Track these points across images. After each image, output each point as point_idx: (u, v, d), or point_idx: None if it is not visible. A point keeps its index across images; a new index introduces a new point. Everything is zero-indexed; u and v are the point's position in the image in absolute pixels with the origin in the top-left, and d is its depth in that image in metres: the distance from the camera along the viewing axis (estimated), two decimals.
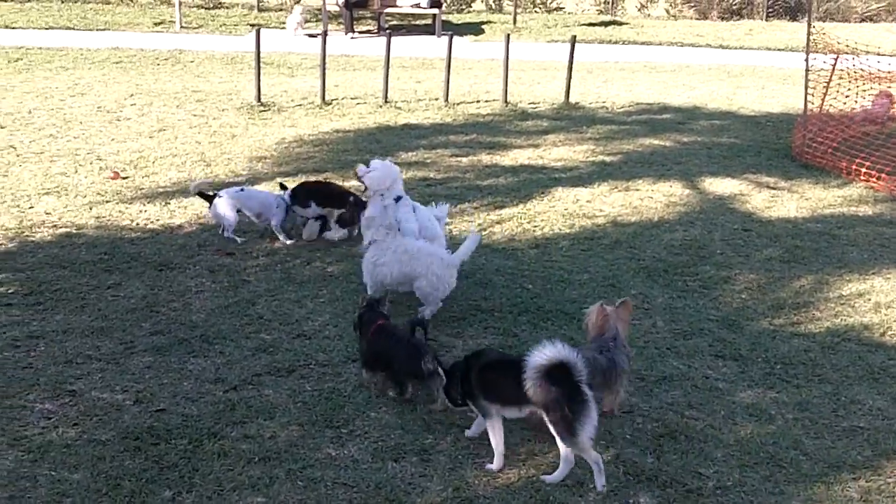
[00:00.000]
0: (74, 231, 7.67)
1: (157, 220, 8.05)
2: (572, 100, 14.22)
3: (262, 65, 13.42)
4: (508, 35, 14.29)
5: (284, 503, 4.12)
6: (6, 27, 19.64)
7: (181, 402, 4.98)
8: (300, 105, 13.38)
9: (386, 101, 13.67)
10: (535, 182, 9.59)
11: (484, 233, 7.99)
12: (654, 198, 9.33)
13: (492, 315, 6.29)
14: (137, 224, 7.92)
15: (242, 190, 7.85)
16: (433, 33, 21.48)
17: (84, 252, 7.17)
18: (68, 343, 5.66)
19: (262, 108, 12.96)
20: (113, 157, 10.03)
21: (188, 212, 8.30)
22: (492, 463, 4.48)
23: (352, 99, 13.94)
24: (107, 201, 8.50)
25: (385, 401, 5.07)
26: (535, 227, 8.22)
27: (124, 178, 9.23)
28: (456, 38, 15.25)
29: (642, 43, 22.35)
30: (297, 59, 17.94)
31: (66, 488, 4.17)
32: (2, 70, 15.27)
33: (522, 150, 11.18)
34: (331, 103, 13.49)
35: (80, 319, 5.99)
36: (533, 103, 14.14)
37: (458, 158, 10.65)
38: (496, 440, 4.49)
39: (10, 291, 6.38)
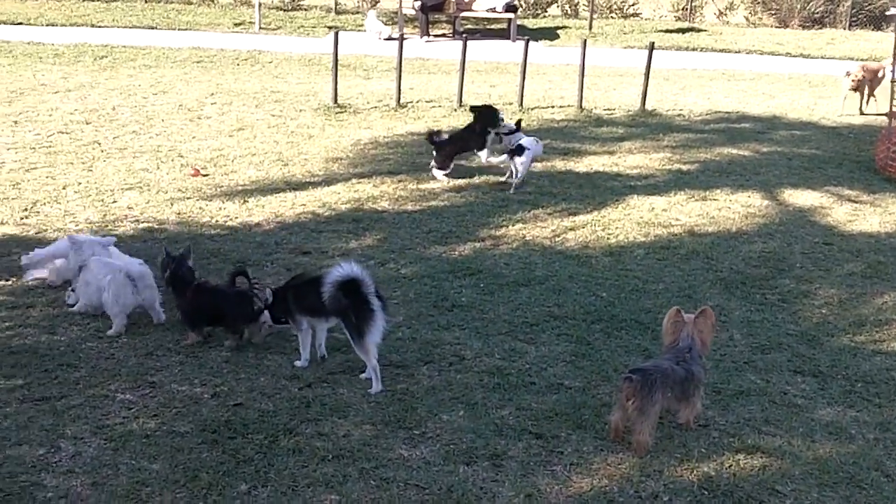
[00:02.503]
0: (156, 226, 7.86)
1: (236, 217, 8.20)
2: (649, 107, 14.07)
3: (338, 67, 13.57)
4: (585, 41, 14.20)
5: (357, 502, 4.15)
6: (92, 26, 20.19)
7: (257, 398, 5.06)
8: (375, 107, 13.49)
9: (461, 105, 13.70)
10: (610, 189, 9.51)
11: (557, 239, 7.96)
12: (732, 208, 9.17)
13: (565, 322, 6.26)
14: (217, 221, 8.08)
15: None
16: (508, 38, 21.45)
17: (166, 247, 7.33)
18: (149, 336, 5.80)
19: (338, 110, 13.10)
20: (193, 155, 10.24)
21: (266, 210, 8.43)
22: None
23: (426, 102, 14.00)
24: (187, 198, 8.68)
25: (458, 403, 5.08)
26: (610, 234, 8.15)
27: (204, 176, 9.42)
28: (531, 43, 15.20)
29: (720, 50, 21.98)
30: (372, 61, 18.09)
31: (145, 477, 4.27)
32: (88, 67, 15.71)
33: (597, 156, 11.10)
34: (406, 106, 13.57)
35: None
36: (608, 109, 14.02)
37: (532, 163, 10.59)
38: (304, 346, 5.46)
39: None
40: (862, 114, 14.78)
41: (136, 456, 4.45)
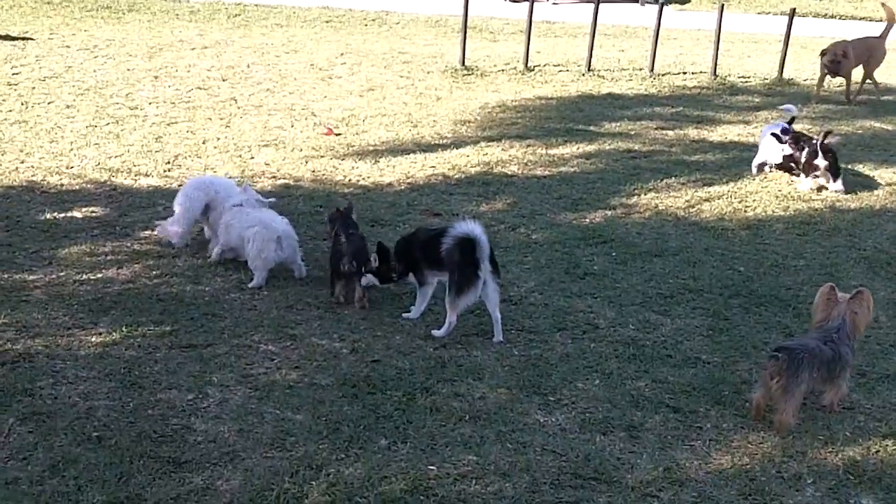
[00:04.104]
0: (292, 183, 8.03)
1: (368, 177, 8.31)
2: (786, 75, 13.57)
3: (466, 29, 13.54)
4: (723, 5, 13.74)
5: (495, 464, 4.18)
6: None
7: (394, 356, 5.14)
8: (503, 70, 13.42)
9: (589, 70, 13.50)
10: (746, 161, 9.21)
11: (692, 210, 7.78)
12: (876, 184, 8.78)
13: (700, 295, 6.13)
14: (350, 180, 8.20)
15: None
16: (637, 1, 20.98)
17: (301, 203, 7.50)
18: (289, 289, 5.95)
19: (465, 72, 13.09)
20: (326, 114, 10.41)
21: (397, 171, 8.51)
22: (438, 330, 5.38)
23: (554, 66, 13.84)
24: (321, 156, 8.84)
25: (593, 372, 5.06)
26: (747, 207, 7.92)
27: (337, 135, 9.57)
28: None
29: (861, 18, 21.00)
30: (499, 23, 17.98)
31: (290, 427, 4.40)
32: (222, 25, 16.11)
33: (732, 125, 10.78)
34: (533, 69, 13.45)
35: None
36: (743, 77, 13.59)
37: (664, 132, 10.39)
38: (422, 300, 5.60)
39: None
40: None
41: (280, 406, 4.59)
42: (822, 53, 12.43)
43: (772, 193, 8.31)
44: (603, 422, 4.58)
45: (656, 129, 10.49)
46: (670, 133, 10.31)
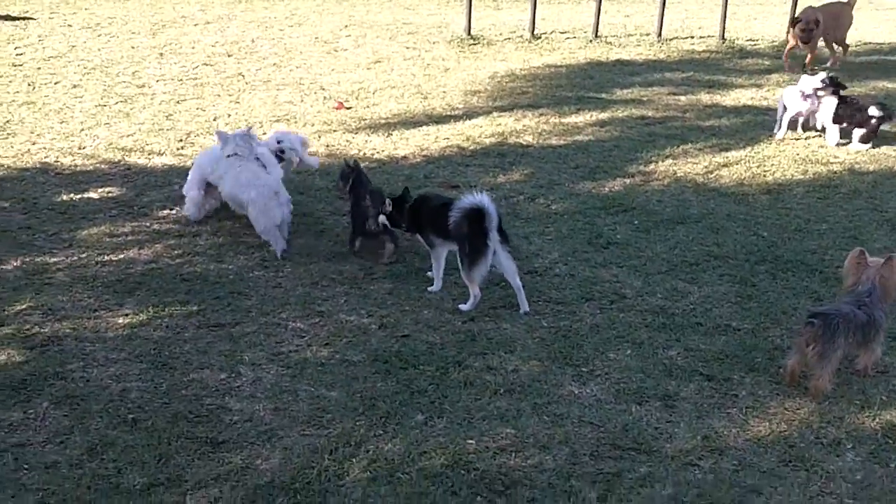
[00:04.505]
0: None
1: (382, 150, 8.25)
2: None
3: None
4: None
5: (533, 436, 4.17)
6: None
7: (423, 330, 5.11)
8: (509, 39, 13.31)
9: (596, 36, 13.39)
10: (761, 124, 9.15)
11: (710, 176, 7.73)
12: (893, 145, 8.71)
13: (726, 262, 6.09)
14: (364, 154, 8.14)
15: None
16: None
17: (318, 179, 7.45)
18: (312, 266, 5.92)
19: (471, 42, 12.98)
20: (335, 88, 10.32)
21: (410, 143, 8.45)
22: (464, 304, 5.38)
23: (561, 33, 13.73)
24: (333, 130, 8.78)
25: (624, 342, 5.03)
26: (766, 171, 7.87)
27: (348, 109, 9.50)
28: None
29: None
30: None
31: (325, 404, 4.38)
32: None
33: (744, 89, 10.70)
34: (540, 37, 13.34)
35: (320, 243, 6.25)
36: (752, 40, 13.48)
37: (676, 97, 10.32)
38: (437, 269, 5.60)
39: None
40: None
41: (314, 383, 4.57)
42: (794, 22, 11.68)
43: (790, 157, 8.25)
44: (637, 392, 4.56)
45: (668, 94, 10.41)
46: (682, 98, 10.23)
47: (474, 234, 5.15)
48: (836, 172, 7.90)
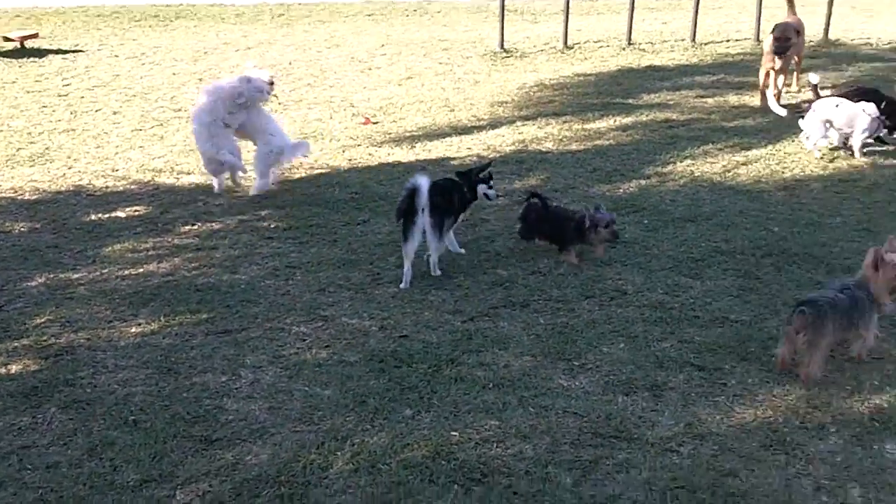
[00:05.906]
0: (329, 172, 8.17)
1: (404, 161, 8.40)
2: (832, 36, 13.27)
3: (505, 12, 13.54)
4: None
5: (516, 427, 4.24)
6: None
7: (422, 330, 5.22)
8: (542, 50, 13.40)
9: (629, 44, 13.40)
10: (787, 123, 9.07)
11: (728, 174, 7.71)
12: None
13: (732, 257, 6.08)
14: (385, 166, 8.30)
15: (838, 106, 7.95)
16: None
17: (337, 191, 7.64)
18: (322, 273, 6.08)
19: (504, 55, 13.10)
20: (364, 104, 10.54)
21: (432, 154, 8.59)
22: None
23: (594, 42, 13.77)
24: (358, 145, 8.97)
25: (618, 336, 5.07)
26: (785, 168, 7.81)
27: (374, 124, 9.69)
28: None
29: None
30: (541, 5, 17.92)
31: (317, 402, 4.52)
32: (266, 25, 16.37)
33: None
34: (573, 47, 13.41)
35: (332, 252, 6.41)
36: None
37: (703, 100, 10.29)
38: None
39: (271, 226, 6.93)
40: None
41: (309, 383, 4.71)
42: (774, 30, 9.88)
43: (811, 154, 8.16)
44: (626, 383, 4.60)
45: (696, 97, 10.39)
46: (710, 101, 10.20)
47: (408, 212, 5.68)
48: (856, 167, 7.81)
